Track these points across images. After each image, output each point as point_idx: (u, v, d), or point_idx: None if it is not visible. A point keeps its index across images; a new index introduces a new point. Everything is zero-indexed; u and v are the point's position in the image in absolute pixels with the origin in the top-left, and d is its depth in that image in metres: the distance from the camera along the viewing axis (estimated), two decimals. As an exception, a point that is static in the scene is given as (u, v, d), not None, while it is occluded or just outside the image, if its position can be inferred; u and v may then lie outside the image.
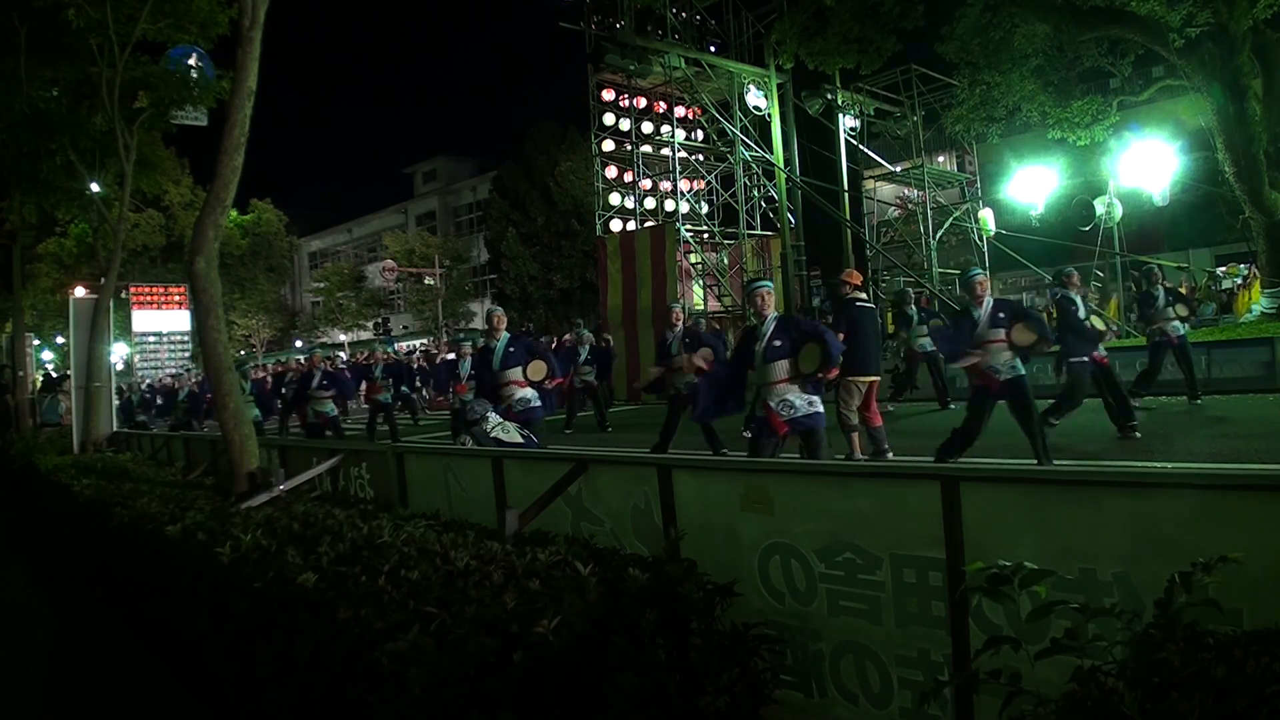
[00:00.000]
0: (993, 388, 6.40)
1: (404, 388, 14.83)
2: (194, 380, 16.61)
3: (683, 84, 21.19)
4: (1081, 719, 1.28)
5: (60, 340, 33.30)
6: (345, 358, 23.39)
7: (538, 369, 7.44)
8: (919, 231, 24.34)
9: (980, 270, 6.99)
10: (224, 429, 5.43)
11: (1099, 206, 17.89)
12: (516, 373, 7.36)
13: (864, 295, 8.32)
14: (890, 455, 7.82)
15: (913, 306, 12.73)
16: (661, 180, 22.89)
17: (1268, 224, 15.52)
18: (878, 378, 8.07)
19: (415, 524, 3.34)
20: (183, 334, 28.91)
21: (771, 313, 5.60)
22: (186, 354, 28.40)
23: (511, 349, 7.47)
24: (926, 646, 2.33)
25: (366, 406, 14.18)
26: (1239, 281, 18.58)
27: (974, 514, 2.24)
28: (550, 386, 7.55)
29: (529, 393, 7.38)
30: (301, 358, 27.03)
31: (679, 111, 22.18)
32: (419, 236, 42.96)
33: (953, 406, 12.20)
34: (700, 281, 21.24)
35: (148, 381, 24.53)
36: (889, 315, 18.20)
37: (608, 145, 21.81)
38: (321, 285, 46.97)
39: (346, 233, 51.78)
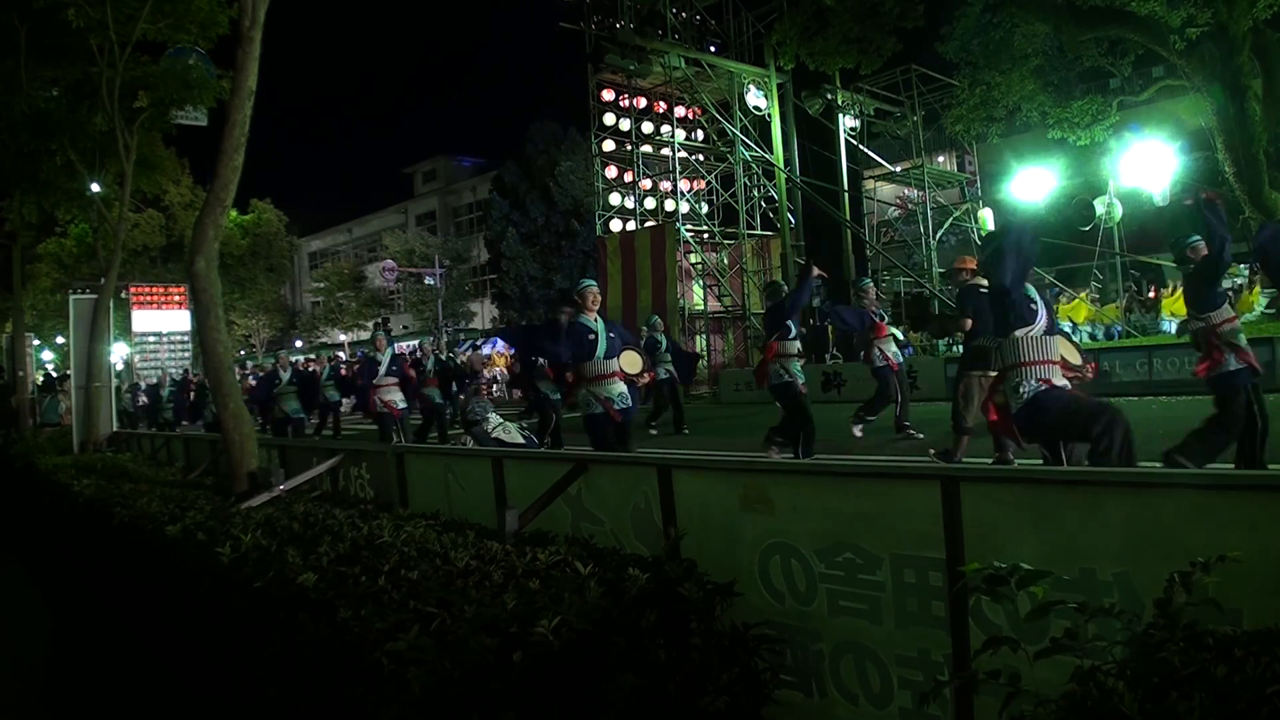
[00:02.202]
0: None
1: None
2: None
3: (683, 84, 21.21)
4: (1081, 719, 1.28)
5: (60, 340, 33.30)
6: (344, 357, 23.36)
7: (633, 361, 6.55)
8: (919, 231, 24.35)
9: None
10: (224, 429, 5.43)
11: (1099, 206, 17.88)
12: (616, 363, 6.26)
13: (984, 281, 7.31)
14: (1014, 460, 6.66)
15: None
16: (661, 180, 22.90)
17: (1268, 224, 15.52)
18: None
19: (415, 524, 3.34)
20: (183, 334, 28.87)
21: None
22: (187, 354, 28.38)
23: (611, 335, 6.26)
24: (927, 646, 2.33)
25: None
26: (1238, 282, 18.53)
27: (974, 514, 2.24)
28: (641, 384, 6.59)
29: (625, 387, 6.27)
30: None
31: (679, 111, 22.21)
32: (419, 236, 42.96)
33: None
34: (700, 281, 21.25)
35: (178, 373, 24.28)
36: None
37: (608, 145, 21.83)
38: (321, 285, 46.99)
39: (346, 233, 51.76)
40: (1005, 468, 2.59)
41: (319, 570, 2.67)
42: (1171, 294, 17.93)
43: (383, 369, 11.05)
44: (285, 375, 13.26)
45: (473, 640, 1.96)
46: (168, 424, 17.96)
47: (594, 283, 6.44)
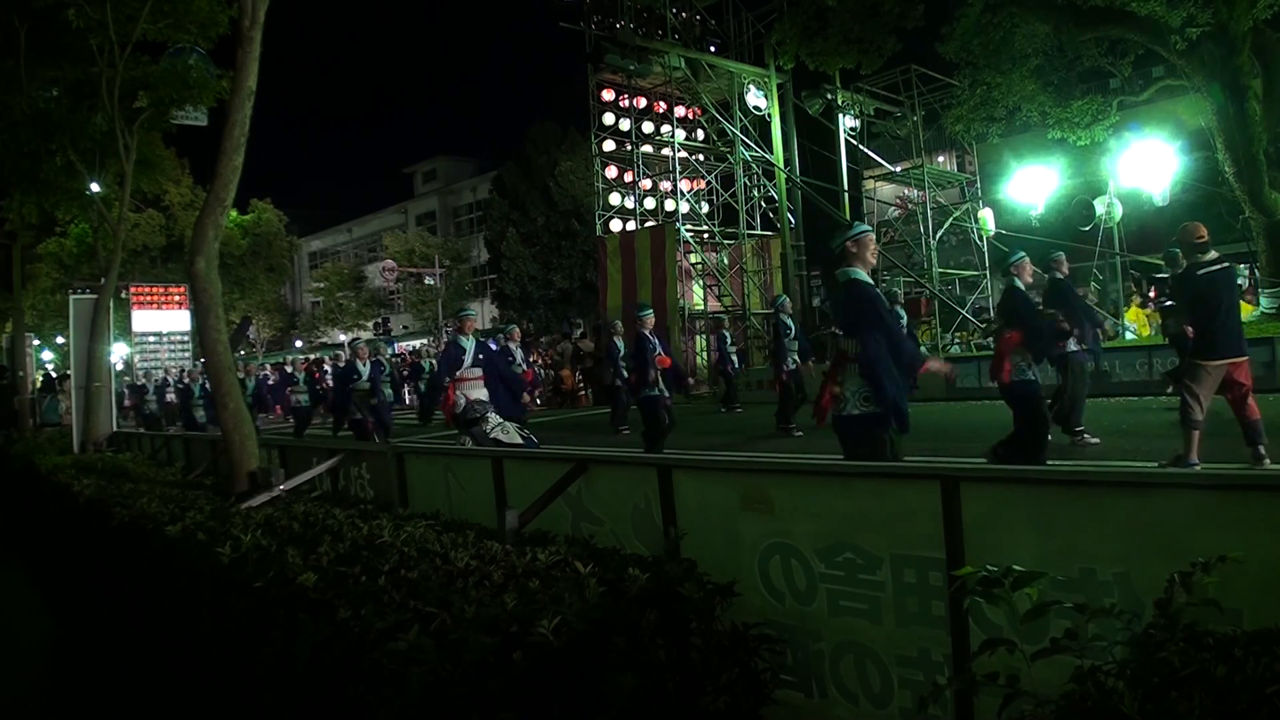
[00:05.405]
0: None
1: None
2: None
3: (683, 84, 21.20)
4: (1081, 719, 1.28)
5: (60, 340, 33.30)
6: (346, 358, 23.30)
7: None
8: (919, 231, 24.33)
9: None
10: (224, 429, 5.43)
11: (1099, 206, 17.88)
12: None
13: (1213, 254, 6.50)
14: None
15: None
16: (661, 180, 22.90)
17: (1268, 224, 15.52)
18: (1242, 359, 6.16)
19: (415, 524, 3.34)
20: (183, 334, 28.85)
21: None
22: (187, 354, 28.38)
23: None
24: (927, 646, 2.33)
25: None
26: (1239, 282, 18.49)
27: (974, 514, 2.24)
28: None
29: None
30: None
31: (679, 111, 22.19)
32: (419, 236, 42.95)
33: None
34: (700, 281, 21.25)
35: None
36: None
37: (608, 145, 21.81)
38: (321, 285, 46.97)
39: (346, 233, 51.75)
40: (1006, 467, 2.59)
41: (319, 570, 2.67)
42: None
43: (468, 358, 8.28)
44: (365, 369, 11.54)
45: (473, 640, 1.96)
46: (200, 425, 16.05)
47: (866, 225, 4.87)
